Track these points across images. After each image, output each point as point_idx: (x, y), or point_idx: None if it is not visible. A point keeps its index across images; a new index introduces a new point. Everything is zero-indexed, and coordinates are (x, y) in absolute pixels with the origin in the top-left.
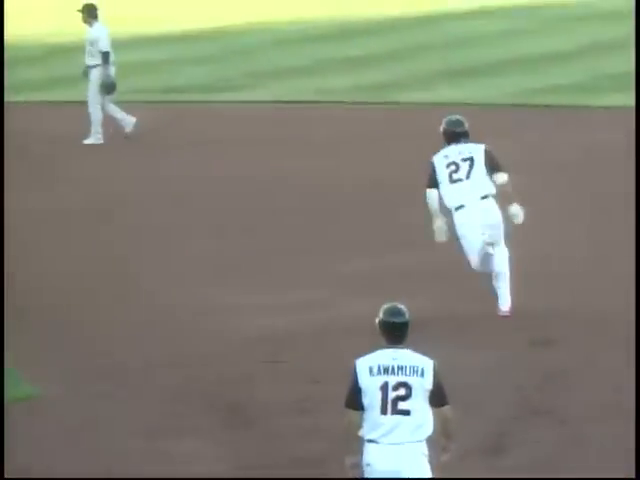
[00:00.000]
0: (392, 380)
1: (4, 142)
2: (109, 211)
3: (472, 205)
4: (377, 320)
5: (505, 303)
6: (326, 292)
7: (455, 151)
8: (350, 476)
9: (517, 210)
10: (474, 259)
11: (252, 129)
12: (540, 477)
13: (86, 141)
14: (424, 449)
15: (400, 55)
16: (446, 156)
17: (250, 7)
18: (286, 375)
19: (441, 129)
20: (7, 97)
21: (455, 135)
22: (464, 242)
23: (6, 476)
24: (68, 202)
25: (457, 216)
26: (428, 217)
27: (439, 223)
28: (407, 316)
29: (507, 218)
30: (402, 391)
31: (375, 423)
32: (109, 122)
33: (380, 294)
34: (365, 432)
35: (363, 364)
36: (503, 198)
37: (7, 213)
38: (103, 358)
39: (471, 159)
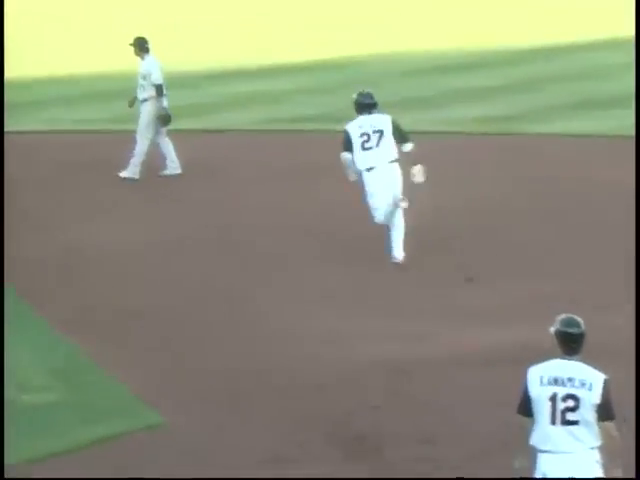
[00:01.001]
0: (561, 391)
1: (4, 144)
2: (229, 239)
3: (380, 167)
4: (553, 330)
5: (398, 251)
6: (448, 322)
7: (367, 123)
8: (516, 476)
9: (418, 170)
10: (379, 213)
11: None
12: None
13: (122, 174)
14: (597, 456)
15: (526, 86)
16: (360, 126)
17: (377, 37)
18: (410, 405)
19: (353, 101)
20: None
21: (366, 106)
22: (372, 199)
23: (6, 476)
24: (185, 230)
25: (367, 176)
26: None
27: (350, 172)
28: (583, 328)
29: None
30: (570, 403)
31: (545, 433)
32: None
33: (503, 325)
34: (536, 442)
35: (534, 373)
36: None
37: (134, 244)
38: (223, 386)
39: (381, 131)
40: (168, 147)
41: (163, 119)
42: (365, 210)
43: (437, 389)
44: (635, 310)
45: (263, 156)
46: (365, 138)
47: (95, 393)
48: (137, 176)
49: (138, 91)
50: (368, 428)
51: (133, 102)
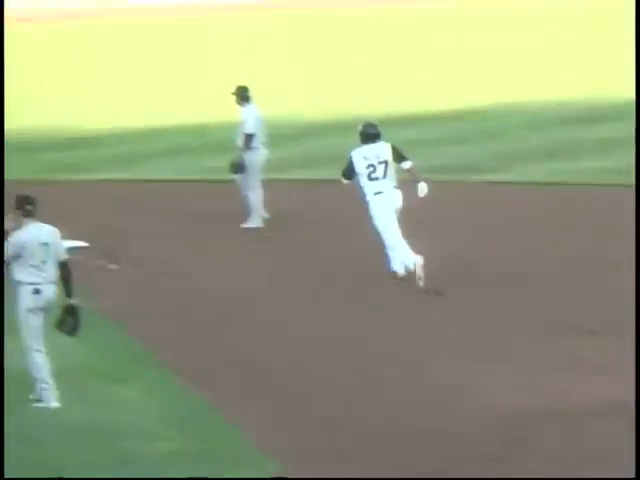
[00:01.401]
0: None
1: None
2: (349, 288)
3: (387, 193)
4: None
5: (399, 267)
6: (574, 373)
7: (372, 153)
8: None
9: (422, 187)
10: (388, 233)
11: (509, 211)
12: (540, 477)
13: (244, 225)
14: None
15: None
16: (365, 157)
17: (500, 88)
18: (537, 458)
19: (359, 131)
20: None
21: (370, 136)
22: (379, 221)
23: (6, 476)
24: (305, 278)
25: (374, 199)
26: None
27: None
28: None
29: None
30: None
31: None
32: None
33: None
34: None
35: None
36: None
37: (254, 292)
38: (344, 436)
39: (385, 162)
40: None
41: (234, 166)
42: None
43: (568, 440)
44: None
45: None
46: (371, 169)
47: (217, 443)
48: (260, 224)
49: (237, 139)
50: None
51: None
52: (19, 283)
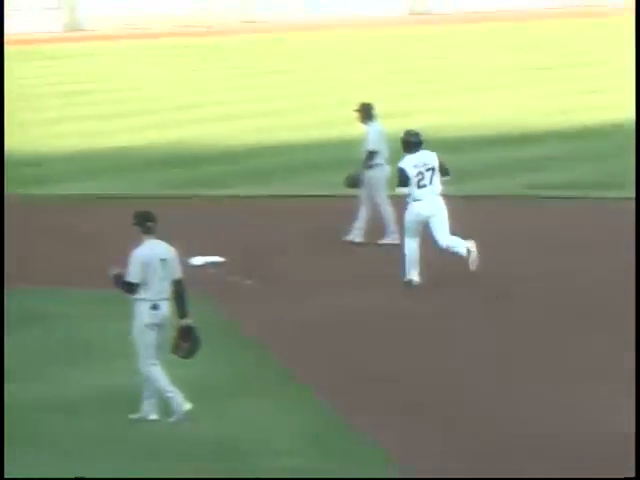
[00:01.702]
0: None
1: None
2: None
3: (429, 200)
4: None
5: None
6: None
7: (420, 162)
8: None
9: None
10: (409, 234)
11: None
12: (538, 477)
13: (381, 241)
14: None
15: None
16: (415, 165)
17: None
18: None
19: (402, 140)
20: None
21: (414, 144)
22: (407, 223)
23: (6, 476)
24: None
25: (415, 205)
26: None
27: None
28: None
29: None
30: None
31: None
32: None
33: None
34: None
35: None
36: None
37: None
38: (488, 456)
39: (432, 169)
40: (362, 215)
41: (349, 179)
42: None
43: None
44: None
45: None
46: (420, 177)
47: (354, 460)
48: (397, 241)
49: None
50: None
51: (357, 175)
52: (137, 299)
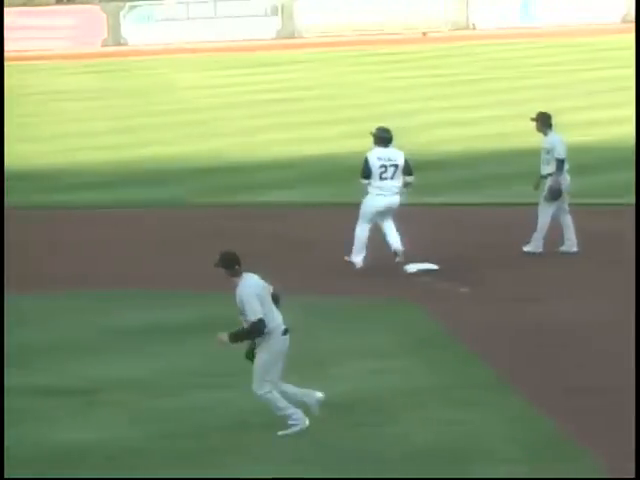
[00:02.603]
0: None
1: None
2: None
3: (388, 196)
4: None
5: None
6: None
7: (385, 156)
8: None
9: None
10: (363, 220)
11: None
12: (538, 477)
13: (525, 248)
14: None
15: None
16: (379, 158)
17: None
18: None
19: (372, 134)
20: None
21: (383, 140)
22: (363, 212)
23: (6, 476)
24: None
25: (376, 198)
26: None
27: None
28: None
29: None
30: None
31: None
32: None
33: None
34: None
35: None
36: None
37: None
38: None
39: (396, 165)
40: (567, 223)
41: (551, 192)
42: None
43: None
44: None
45: None
46: (383, 170)
47: (568, 468)
48: (540, 249)
49: (542, 167)
50: None
51: (538, 184)
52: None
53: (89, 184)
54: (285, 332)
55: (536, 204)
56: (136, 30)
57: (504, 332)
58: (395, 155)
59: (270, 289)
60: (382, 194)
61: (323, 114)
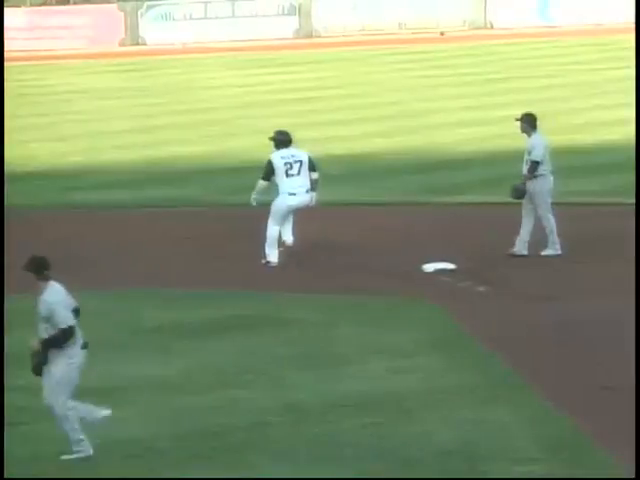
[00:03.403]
0: None
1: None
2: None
3: (299, 194)
4: None
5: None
6: None
7: (288, 154)
8: None
9: (314, 196)
10: (275, 220)
11: None
12: (538, 477)
13: (543, 252)
14: None
15: None
16: (282, 157)
17: None
18: None
19: (272, 138)
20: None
21: (284, 142)
22: (276, 211)
23: (6, 476)
24: None
25: (288, 198)
26: None
27: (256, 196)
28: None
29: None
30: None
31: None
32: None
33: None
34: None
35: None
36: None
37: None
38: None
39: (301, 161)
40: (530, 227)
41: (514, 191)
42: None
43: None
44: None
45: None
46: (288, 167)
47: (589, 468)
48: (559, 251)
49: (524, 167)
50: None
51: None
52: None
53: (110, 183)
54: (85, 346)
55: (556, 204)
56: (154, 29)
57: (523, 331)
58: (298, 153)
59: (73, 302)
60: (294, 194)
61: (346, 113)
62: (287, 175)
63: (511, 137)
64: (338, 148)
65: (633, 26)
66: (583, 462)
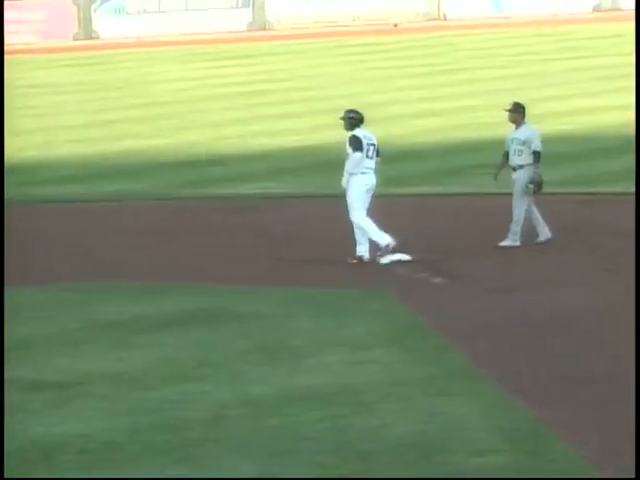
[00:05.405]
0: None
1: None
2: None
3: (370, 174)
4: None
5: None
6: None
7: (367, 135)
8: None
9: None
10: (357, 206)
11: None
12: (537, 477)
13: (502, 243)
14: None
15: None
16: (365, 136)
17: None
18: None
19: (348, 117)
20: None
21: (360, 121)
22: (355, 192)
23: (6, 476)
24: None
25: (361, 177)
26: None
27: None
28: None
29: None
30: None
31: None
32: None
33: None
34: None
35: None
36: None
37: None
38: None
39: (374, 144)
40: (537, 222)
41: (537, 185)
42: None
43: None
44: None
45: None
46: (367, 149)
47: (548, 458)
48: (548, 235)
49: (513, 157)
50: None
51: (497, 175)
52: None
53: (65, 177)
54: None
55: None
56: (107, 23)
57: (481, 322)
58: (371, 136)
59: None
60: (368, 174)
61: (298, 106)
62: (367, 157)
63: (468, 128)
64: (290, 141)
65: (589, 17)
66: (543, 452)
